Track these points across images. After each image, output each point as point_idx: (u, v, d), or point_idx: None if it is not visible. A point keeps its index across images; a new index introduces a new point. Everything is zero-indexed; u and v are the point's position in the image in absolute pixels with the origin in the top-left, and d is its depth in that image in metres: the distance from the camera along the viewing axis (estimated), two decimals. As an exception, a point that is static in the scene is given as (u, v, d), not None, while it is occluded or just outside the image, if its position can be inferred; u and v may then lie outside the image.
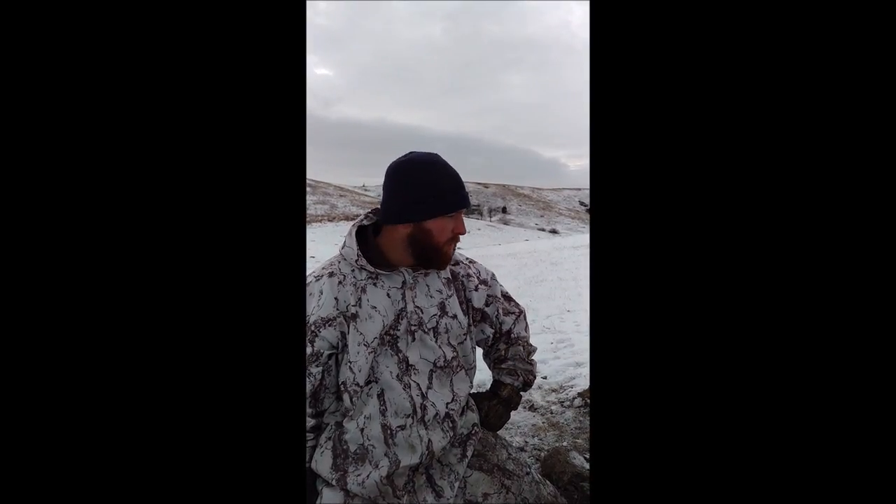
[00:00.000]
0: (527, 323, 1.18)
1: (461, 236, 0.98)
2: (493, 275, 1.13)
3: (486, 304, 1.08)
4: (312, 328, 0.94)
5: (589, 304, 0.66)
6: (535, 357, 1.17)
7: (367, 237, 0.99)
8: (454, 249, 0.99)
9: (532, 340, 1.19)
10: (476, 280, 1.07)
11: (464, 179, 0.97)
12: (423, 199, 0.91)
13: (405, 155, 0.97)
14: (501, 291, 1.13)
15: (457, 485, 0.98)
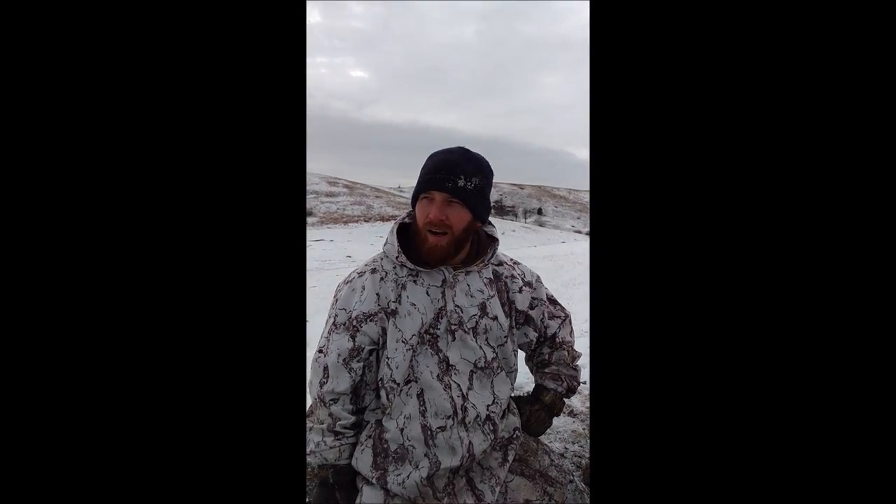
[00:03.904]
0: (572, 327, 1.14)
1: (450, 226, 0.90)
2: (539, 277, 1.10)
3: (531, 307, 1.05)
4: (354, 323, 0.95)
5: (589, 305, 0.67)
6: (578, 362, 1.14)
7: (410, 235, 0.99)
8: (440, 243, 0.91)
9: (573, 345, 1.16)
10: (520, 281, 1.05)
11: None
12: (415, 186, 0.96)
13: None
14: (547, 294, 1.10)
15: (497, 489, 0.96)
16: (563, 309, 1.13)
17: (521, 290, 1.04)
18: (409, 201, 0.99)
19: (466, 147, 0.96)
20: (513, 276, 1.05)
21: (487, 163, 0.96)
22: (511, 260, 1.09)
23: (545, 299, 1.09)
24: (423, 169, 0.94)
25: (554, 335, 1.11)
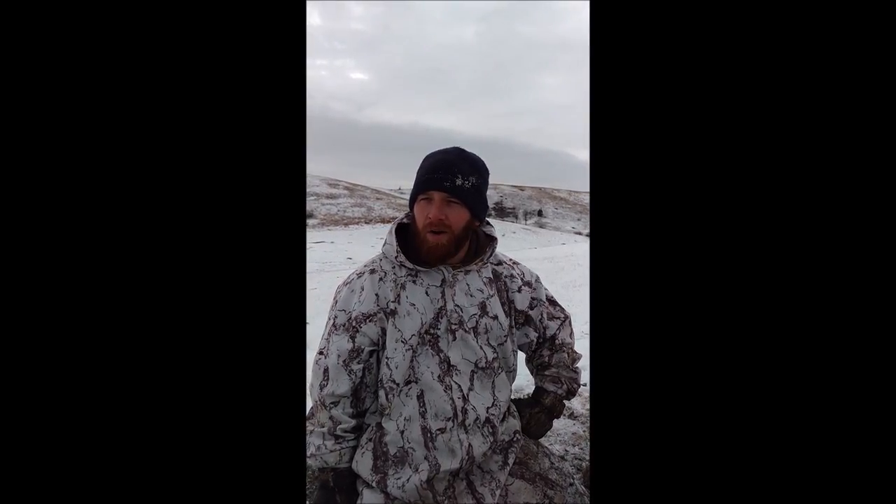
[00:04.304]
0: (572, 329, 1.14)
1: (450, 225, 0.90)
2: (538, 277, 1.10)
3: (530, 307, 1.05)
4: (353, 323, 0.94)
5: (589, 307, 0.68)
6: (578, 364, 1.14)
7: (409, 236, 0.99)
8: (440, 242, 0.91)
9: (573, 347, 1.15)
10: (520, 281, 1.05)
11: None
12: (413, 188, 0.96)
13: None
14: (546, 295, 1.10)
15: (498, 492, 0.96)
16: (562, 310, 1.13)
17: (520, 290, 1.04)
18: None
19: (463, 147, 0.96)
20: (512, 276, 1.05)
21: (483, 162, 0.97)
22: (510, 260, 1.09)
23: (545, 300, 1.08)
24: (419, 170, 0.95)
25: (553, 336, 1.10)
